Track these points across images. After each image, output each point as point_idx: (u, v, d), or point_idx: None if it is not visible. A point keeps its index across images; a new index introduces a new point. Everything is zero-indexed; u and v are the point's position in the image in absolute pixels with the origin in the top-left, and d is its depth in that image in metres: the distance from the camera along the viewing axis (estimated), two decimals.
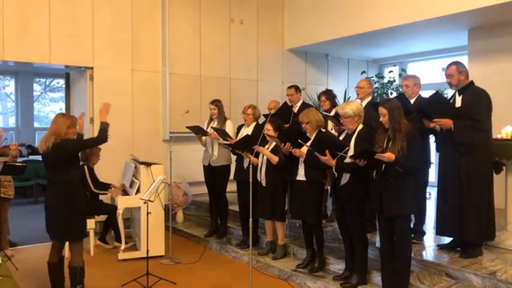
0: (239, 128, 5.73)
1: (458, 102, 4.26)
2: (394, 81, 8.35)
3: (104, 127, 4.12)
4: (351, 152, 4.00)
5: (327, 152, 4.01)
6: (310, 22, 7.97)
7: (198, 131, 5.77)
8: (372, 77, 8.59)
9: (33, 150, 10.27)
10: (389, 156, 3.58)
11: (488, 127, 4.15)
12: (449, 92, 4.51)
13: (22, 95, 13.00)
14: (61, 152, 3.89)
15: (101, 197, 6.02)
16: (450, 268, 4.03)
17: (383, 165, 3.72)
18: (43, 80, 13.93)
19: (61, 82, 13.83)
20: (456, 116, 4.12)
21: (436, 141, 4.63)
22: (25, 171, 5.41)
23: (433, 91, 7.46)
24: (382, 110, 3.78)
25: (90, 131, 6.69)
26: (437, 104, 4.21)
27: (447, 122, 4.11)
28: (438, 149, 4.52)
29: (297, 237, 5.43)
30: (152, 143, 7.13)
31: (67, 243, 4.51)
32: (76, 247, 4.09)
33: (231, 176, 5.84)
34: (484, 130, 4.11)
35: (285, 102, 6.23)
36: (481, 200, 4.14)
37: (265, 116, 5.77)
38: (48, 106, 14.46)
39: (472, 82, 4.29)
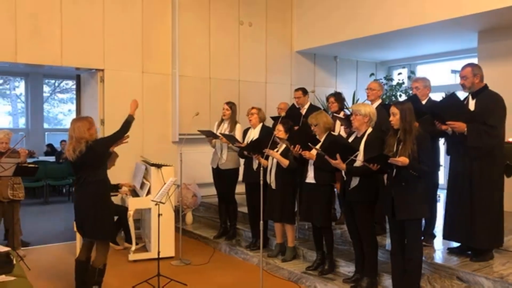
0: (246, 132, 5.76)
1: (472, 106, 4.21)
2: (403, 83, 8.34)
3: (128, 120, 4.25)
4: (360, 155, 4.01)
5: (337, 155, 4.03)
6: (319, 24, 7.99)
7: (210, 135, 5.80)
8: (381, 79, 8.59)
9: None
10: (403, 160, 3.58)
11: (502, 132, 4.11)
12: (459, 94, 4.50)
13: (32, 96, 13.13)
14: (95, 153, 3.99)
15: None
16: (461, 272, 4.02)
17: (395, 169, 3.73)
18: (53, 81, 14.05)
19: (70, 83, 13.95)
20: (469, 120, 4.05)
21: (446, 143, 4.61)
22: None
23: (442, 94, 7.53)
24: (394, 110, 3.79)
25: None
26: (451, 106, 4.14)
27: (461, 126, 4.04)
28: (448, 152, 4.51)
29: (306, 239, 5.45)
30: (161, 144, 7.18)
31: None
32: (103, 248, 4.14)
33: (240, 178, 5.87)
34: (498, 136, 4.06)
35: (293, 104, 6.26)
36: (492, 206, 4.10)
37: (274, 118, 5.80)
38: (57, 107, 14.59)
39: (486, 86, 4.22)
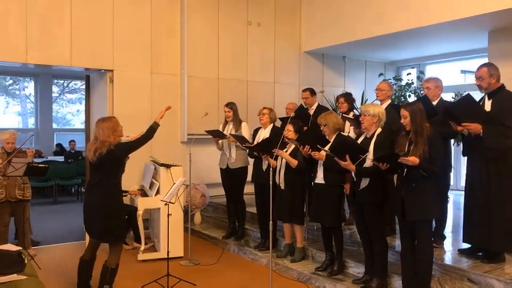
0: (256, 131, 5.76)
1: (488, 106, 4.14)
2: (413, 83, 8.29)
3: (153, 127, 4.29)
4: (370, 155, 3.99)
5: (347, 157, 4.01)
6: (327, 24, 7.97)
7: (217, 135, 5.81)
8: (390, 79, 8.54)
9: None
10: (413, 159, 3.56)
11: None
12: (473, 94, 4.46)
13: (41, 97, 13.23)
14: (114, 157, 3.99)
15: None
16: (472, 273, 3.99)
17: (405, 169, 3.71)
18: (61, 81, 14.14)
19: (79, 83, 14.03)
20: (485, 121, 3.99)
21: (462, 144, 4.56)
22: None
23: (451, 94, 7.48)
24: (404, 112, 3.78)
25: None
26: (466, 107, 4.08)
27: (476, 127, 3.98)
28: (464, 153, 4.45)
29: (315, 239, 5.44)
30: (170, 145, 7.19)
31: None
32: (116, 248, 4.16)
33: (249, 178, 5.87)
34: None
35: (301, 105, 6.25)
36: (509, 208, 4.03)
37: (282, 119, 5.79)
38: (66, 108, 14.68)
39: (503, 86, 4.14)
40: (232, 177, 5.92)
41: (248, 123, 5.97)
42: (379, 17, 7.02)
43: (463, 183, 4.59)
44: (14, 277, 3.51)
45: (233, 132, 5.76)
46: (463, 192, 4.48)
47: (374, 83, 7.17)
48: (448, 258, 4.43)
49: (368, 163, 3.97)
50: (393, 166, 3.73)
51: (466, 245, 4.52)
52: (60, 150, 12.23)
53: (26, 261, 3.88)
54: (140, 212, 5.54)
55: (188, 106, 7.26)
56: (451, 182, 5.25)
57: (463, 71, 8.76)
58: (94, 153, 3.95)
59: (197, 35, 7.41)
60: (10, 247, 4.23)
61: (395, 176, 3.98)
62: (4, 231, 5.45)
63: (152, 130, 4.26)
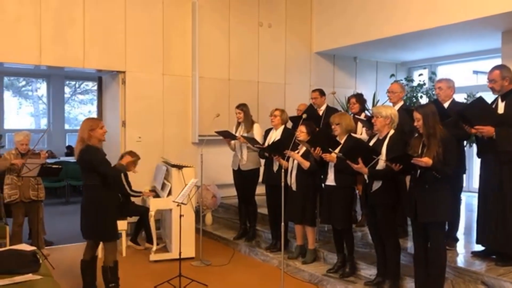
0: (267, 132, 5.76)
1: (501, 109, 4.12)
2: (424, 84, 8.24)
3: (120, 168, 4.30)
4: (383, 157, 3.98)
5: (359, 160, 4.00)
6: (339, 25, 7.95)
7: (227, 135, 5.82)
8: (401, 80, 8.50)
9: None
10: (426, 160, 3.54)
11: None
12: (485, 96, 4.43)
13: (54, 98, 13.32)
14: (85, 158, 4.02)
15: (132, 199, 6.14)
16: (486, 276, 3.96)
17: (418, 171, 3.69)
18: (73, 82, 14.25)
19: (90, 84, 14.14)
20: (498, 124, 3.97)
21: (476, 146, 4.53)
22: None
23: (464, 95, 7.42)
24: (416, 115, 3.76)
25: (121, 134, 6.85)
26: (479, 109, 4.06)
27: (489, 130, 3.96)
28: (478, 154, 4.42)
29: (327, 241, 5.42)
30: (181, 146, 7.22)
31: (101, 244, 4.62)
32: (108, 247, 4.21)
33: (260, 179, 5.87)
34: None
35: (311, 105, 6.23)
36: None
37: (292, 118, 5.78)
38: (78, 108, 14.79)
39: None
40: (243, 179, 5.93)
41: (259, 124, 5.97)
42: (391, 18, 6.98)
43: (475, 185, 4.57)
44: (29, 276, 3.56)
45: (244, 134, 5.77)
46: (475, 194, 4.45)
47: (385, 84, 7.15)
48: (461, 261, 4.40)
49: (381, 164, 3.96)
50: (406, 167, 3.71)
51: (479, 248, 4.49)
52: (71, 150, 12.33)
53: (40, 261, 3.93)
54: (152, 213, 5.57)
55: (199, 107, 7.29)
56: (464, 184, 5.21)
57: (476, 72, 8.68)
58: (76, 150, 4.07)
59: (208, 36, 7.43)
60: (25, 247, 4.29)
61: (407, 178, 3.97)
62: (18, 231, 5.51)
63: (117, 171, 4.29)
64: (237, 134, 5.85)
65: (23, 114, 13.71)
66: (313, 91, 6.26)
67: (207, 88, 7.44)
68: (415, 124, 3.77)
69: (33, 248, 4.29)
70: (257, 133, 5.80)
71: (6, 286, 3.36)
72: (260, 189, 5.98)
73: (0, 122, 12.24)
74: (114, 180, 4.26)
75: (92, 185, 4.07)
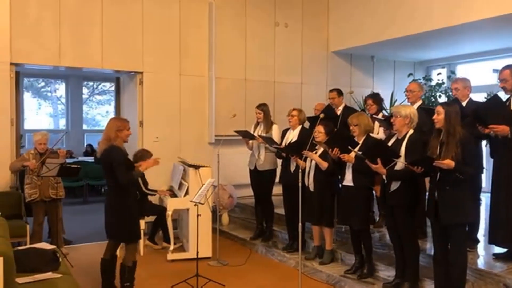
0: (285, 132, 5.74)
1: None
2: (443, 83, 8.13)
3: (134, 175, 4.24)
4: (402, 158, 3.93)
5: (378, 160, 3.95)
6: (356, 24, 7.89)
7: (246, 135, 5.82)
8: (420, 79, 8.40)
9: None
10: (448, 163, 3.49)
11: None
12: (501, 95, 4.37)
13: (72, 98, 13.52)
14: (109, 158, 4.03)
15: (149, 198, 6.18)
16: (508, 278, 3.88)
17: (438, 172, 3.64)
18: (91, 83, 14.43)
19: (108, 85, 14.30)
20: None
21: (489, 146, 4.47)
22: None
23: (484, 94, 7.30)
24: (439, 109, 3.69)
25: (139, 134, 6.90)
26: (493, 109, 4.03)
27: (504, 129, 3.90)
28: (491, 154, 4.36)
29: (344, 242, 5.38)
30: (198, 146, 7.25)
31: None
32: (129, 247, 4.24)
33: (278, 179, 5.86)
34: None
35: (329, 105, 6.20)
36: None
37: (310, 118, 5.75)
38: (96, 109, 14.98)
39: None
40: (260, 179, 5.92)
41: (276, 123, 5.95)
42: (410, 17, 6.89)
43: None
44: (50, 275, 3.62)
45: (263, 134, 5.76)
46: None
47: (403, 83, 7.08)
48: (482, 263, 4.33)
49: (400, 165, 3.91)
50: (427, 170, 3.66)
51: (500, 250, 4.40)
52: (90, 150, 12.47)
53: (60, 260, 3.99)
54: (169, 213, 5.60)
55: (215, 108, 7.31)
56: (483, 184, 5.13)
57: (495, 70, 8.51)
58: (100, 148, 4.09)
59: (225, 36, 7.45)
60: (45, 245, 4.36)
61: (426, 179, 3.91)
62: (39, 230, 5.60)
63: (132, 177, 4.19)
64: (254, 134, 5.85)
65: (42, 114, 13.94)
66: (331, 91, 6.22)
67: (223, 88, 7.46)
68: (434, 117, 3.70)
69: (53, 246, 4.36)
70: (275, 134, 5.78)
71: (27, 284, 3.42)
72: (277, 189, 5.97)
73: (20, 122, 12.40)
74: (131, 182, 4.24)
75: (116, 186, 4.08)
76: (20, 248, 4.46)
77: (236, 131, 5.86)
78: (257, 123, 5.99)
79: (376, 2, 7.49)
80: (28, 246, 4.71)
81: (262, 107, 5.90)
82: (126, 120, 4.29)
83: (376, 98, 5.64)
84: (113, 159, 4.00)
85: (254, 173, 5.96)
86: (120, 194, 4.11)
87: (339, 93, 6.11)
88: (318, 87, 8.30)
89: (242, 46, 7.68)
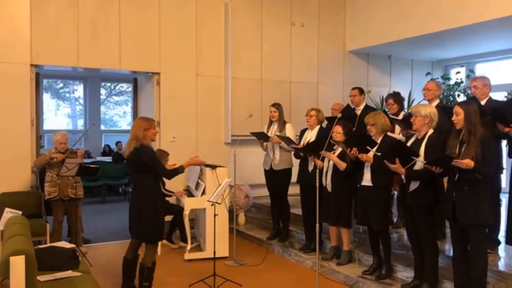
0: (303, 132, 5.73)
1: None
2: (462, 82, 8.02)
3: (178, 170, 4.35)
4: (421, 158, 3.88)
5: (397, 160, 3.91)
6: (373, 23, 7.84)
7: (262, 136, 5.82)
8: (438, 78, 8.29)
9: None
10: (468, 162, 3.43)
11: None
12: None
13: (90, 99, 13.69)
14: (140, 158, 4.04)
15: (166, 198, 6.22)
16: None
17: (457, 172, 3.58)
18: (109, 84, 14.60)
19: (125, 86, 14.45)
20: None
21: (508, 146, 4.40)
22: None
23: (504, 93, 7.17)
24: (457, 109, 3.64)
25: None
26: None
27: None
28: (510, 154, 4.29)
29: (362, 242, 5.35)
30: (214, 146, 7.27)
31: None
32: (150, 247, 4.26)
33: (293, 179, 5.85)
34: None
35: (348, 105, 6.15)
36: None
37: (328, 119, 5.73)
38: (113, 109, 15.14)
39: None
40: (275, 178, 5.91)
41: (291, 124, 5.95)
42: (428, 15, 6.81)
43: None
44: (69, 273, 3.67)
45: (277, 133, 5.76)
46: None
47: (421, 83, 6.97)
48: (502, 264, 4.25)
49: (419, 165, 3.87)
50: (446, 169, 3.61)
51: None
52: (108, 151, 12.61)
53: (80, 258, 4.04)
54: (186, 212, 5.63)
55: (232, 108, 7.32)
56: (503, 185, 5.05)
57: None
58: (129, 148, 4.10)
59: (241, 37, 7.46)
60: (64, 244, 4.42)
61: (445, 179, 3.86)
62: (58, 229, 5.68)
63: (175, 172, 4.32)
64: (269, 134, 5.85)
65: (61, 115, 14.14)
66: (353, 88, 6.13)
67: (239, 89, 7.47)
68: (454, 118, 3.66)
69: (72, 245, 4.41)
70: (289, 132, 5.77)
71: (48, 282, 3.47)
72: (292, 189, 5.96)
73: (39, 123, 12.59)
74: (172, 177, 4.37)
75: (145, 186, 4.12)
76: (40, 246, 4.52)
77: (252, 133, 5.87)
78: (270, 123, 5.99)
79: (392, 1, 7.43)
80: (48, 244, 4.78)
81: (277, 106, 5.90)
82: (151, 119, 4.33)
83: (397, 97, 5.56)
84: (148, 157, 4.04)
85: (270, 173, 5.96)
86: (149, 194, 4.14)
87: (361, 91, 6.03)
88: (334, 87, 8.26)
89: (258, 46, 7.68)
